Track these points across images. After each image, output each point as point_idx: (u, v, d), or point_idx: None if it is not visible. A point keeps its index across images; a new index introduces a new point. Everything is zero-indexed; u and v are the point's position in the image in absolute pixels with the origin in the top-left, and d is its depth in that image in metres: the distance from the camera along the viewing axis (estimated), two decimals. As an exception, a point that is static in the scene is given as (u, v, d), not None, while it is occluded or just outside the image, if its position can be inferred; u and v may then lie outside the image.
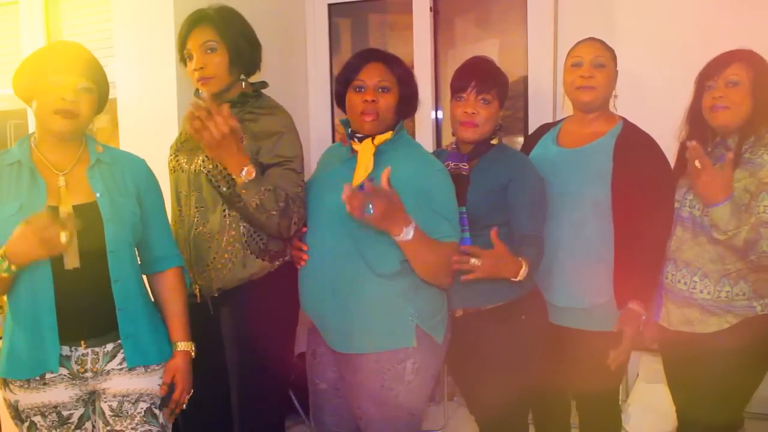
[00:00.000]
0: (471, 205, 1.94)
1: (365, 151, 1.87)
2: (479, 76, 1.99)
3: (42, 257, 1.55)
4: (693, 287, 1.93)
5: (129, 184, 1.75)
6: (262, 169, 1.94)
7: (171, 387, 1.79)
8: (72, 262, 1.61)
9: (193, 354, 1.83)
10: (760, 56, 1.91)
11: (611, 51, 2.11)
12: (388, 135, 1.89)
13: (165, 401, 1.78)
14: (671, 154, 2.08)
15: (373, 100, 1.87)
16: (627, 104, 2.20)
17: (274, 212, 1.84)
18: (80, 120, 1.65)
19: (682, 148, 2.03)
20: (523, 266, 1.84)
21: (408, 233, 1.69)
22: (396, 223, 1.68)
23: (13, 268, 1.54)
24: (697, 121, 1.98)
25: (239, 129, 1.77)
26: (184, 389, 1.81)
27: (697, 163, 1.78)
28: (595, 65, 2.07)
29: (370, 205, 1.61)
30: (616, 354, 2.00)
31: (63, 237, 1.49)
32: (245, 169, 1.79)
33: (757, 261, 1.80)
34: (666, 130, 2.10)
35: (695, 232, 1.92)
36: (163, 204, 1.86)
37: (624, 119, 2.13)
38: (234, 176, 1.80)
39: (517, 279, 1.85)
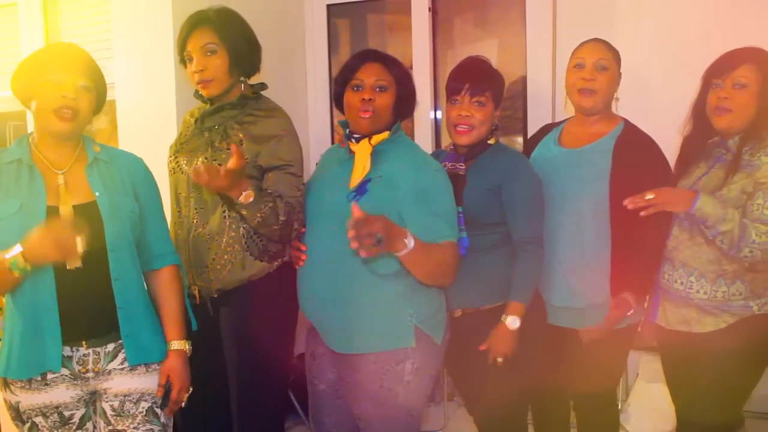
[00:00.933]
0: (467, 205, 1.95)
1: (362, 151, 1.87)
2: (473, 79, 1.99)
3: (56, 260, 1.55)
4: (689, 287, 1.93)
5: (127, 183, 1.75)
6: (261, 172, 1.95)
7: (168, 387, 1.79)
8: (75, 262, 1.61)
9: (188, 352, 1.82)
10: None
11: (615, 52, 2.10)
12: (385, 135, 1.89)
13: (163, 402, 1.78)
14: (672, 152, 2.07)
15: (371, 99, 1.87)
16: (626, 103, 2.20)
17: (276, 226, 1.87)
18: (79, 119, 1.66)
19: (685, 144, 2.03)
20: (518, 315, 1.91)
21: (410, 243, 1.64)
22: (398, 238, 1.63)
23: (28, 268, 1.53)
24: (699, 118, 1.98)
25: (244, 164, 1.79)
26: (182, 388, 1.80)
27: (648, 195, 1.83)
28: (597, 68, 2.06)
29: (378, 234, 1.54)
30: (589, 331, 2.00)
31: (79, 244, 1.51)
32: (244, 193, 1.80)
33: (750, 256, 1.80)
34: (666, 130, 2.10)
35: (692, 232, 1.92)
36: (161, 202, 1.87)
37: (625, 120, 2.13)
38: (233, 198, 1.81)
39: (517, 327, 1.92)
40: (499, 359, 1.93)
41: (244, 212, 1.86)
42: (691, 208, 1.83)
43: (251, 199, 1.81)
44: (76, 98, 1.63)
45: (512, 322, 1.91)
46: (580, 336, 2.03)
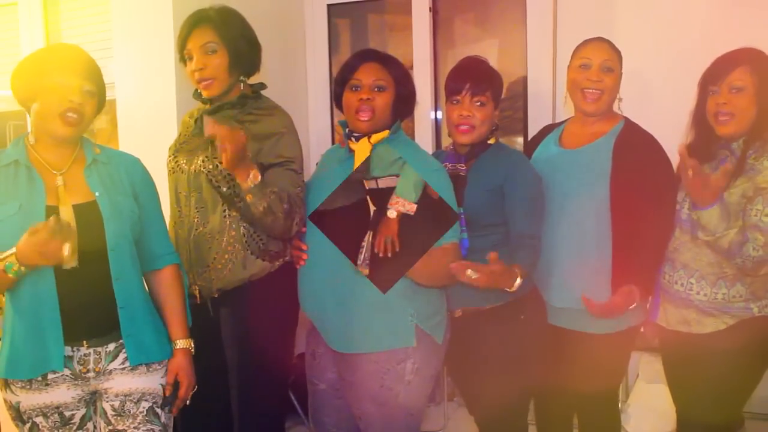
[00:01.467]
0: (468, 206, 1.94)
1: (362, 150, 1.88)
2: (473, 79, 1.99)
3: (45, 265, 1.56)
4: (690, 289, 1.93)
5: (125, 183, 1.75)
6: (262, 169, 1.94)
7: (175, 385, 1.79)
8: (69, 262, 1.61)
9: (192, 351, 1.83)
10: (765, 56, 1.88)
11: (618, 53, 2.09)
12: (385, 134, 1.89)
13: (170, 400, 1.78)
14: (674, 154, 2.06)
15: (369, 98, 1.87)
16: (627, 104, 2.19)
17: (281, 214, 1.85)
18: (83, 124, 1.66)
19: (689, 151, 2.02)
20: (518, 277, 1.83)
21: None
22: None
23: (23, 270, 1.55)
24: (701, 125, 1.97)
25: (245, 139, 1.78)
26: (189, 386, 1.81)
27: (689, 173, 1.77)
28: (603, 69, 2.05)
29: None
30: (593, 305, 1.94)
31: (66, 249, 1.51)
32: (252, 173, 1.79)
33: (742, 264, 1.80)
34: (667, 130, 2.09)
35: (694, 234, 1.92)
36: (159, 202, 1.87)
37: (626, 119, 2.12)
38: (240, 182, 1.80)
39: (512, 290, 1.84)
40: (470, 274, 1.73)
41: (249, 198, 1.81)
42: (700, 208, 1.80)
43: (258, 180, 1.80)
44: (82, 102, 1.63)
45: (517, 285, 1.85)
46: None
